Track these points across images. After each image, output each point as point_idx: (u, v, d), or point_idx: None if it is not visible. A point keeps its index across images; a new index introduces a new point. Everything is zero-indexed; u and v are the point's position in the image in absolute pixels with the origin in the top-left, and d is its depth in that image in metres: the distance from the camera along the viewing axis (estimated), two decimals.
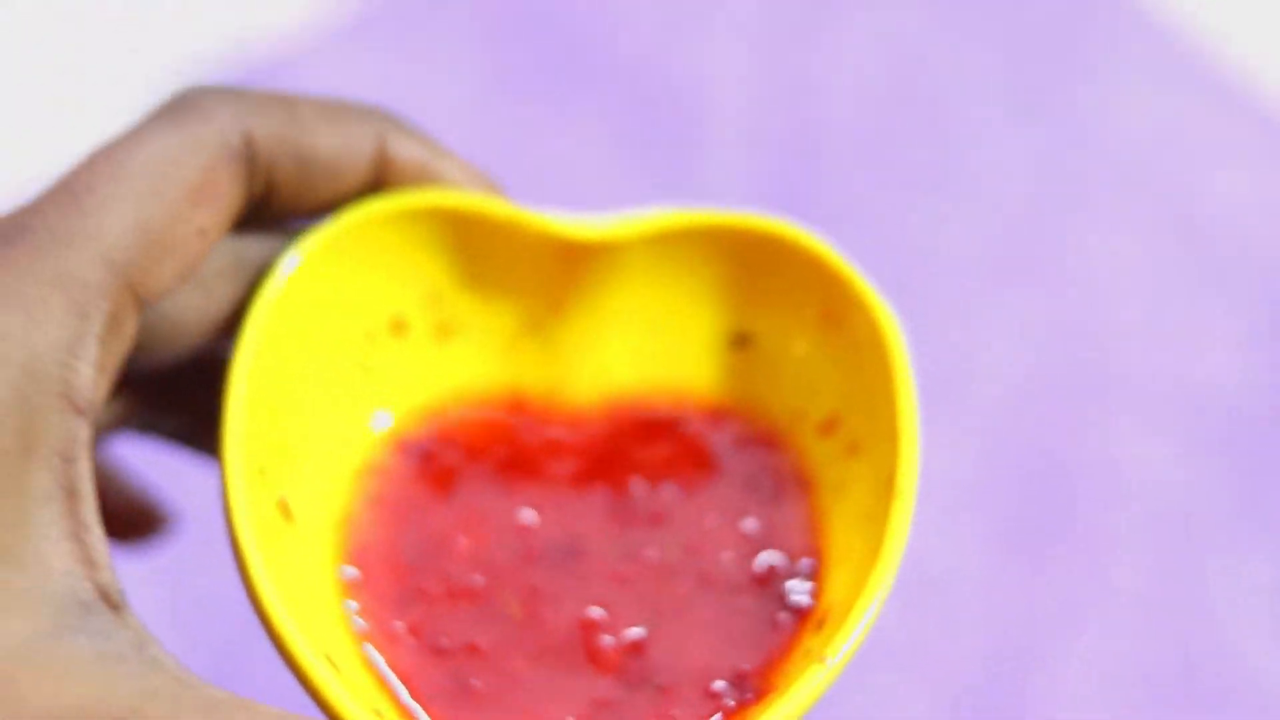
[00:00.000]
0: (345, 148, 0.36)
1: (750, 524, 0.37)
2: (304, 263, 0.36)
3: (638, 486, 0.38)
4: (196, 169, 0.34)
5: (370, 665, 0.35)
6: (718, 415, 0.39)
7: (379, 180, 0.37)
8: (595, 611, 0.37)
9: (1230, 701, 0.52)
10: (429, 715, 0.35)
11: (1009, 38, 0.63)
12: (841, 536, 0.36)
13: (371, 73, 0.63)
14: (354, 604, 0.36)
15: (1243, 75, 0.62)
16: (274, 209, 0.36)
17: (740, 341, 0.39)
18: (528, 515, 0.38)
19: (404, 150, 0.36)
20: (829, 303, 0.37)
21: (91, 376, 0.33)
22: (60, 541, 0.31)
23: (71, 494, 0.32)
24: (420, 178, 0.37)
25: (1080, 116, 0.61)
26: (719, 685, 0.36)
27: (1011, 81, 0.62)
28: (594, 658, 0.36)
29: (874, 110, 0.61)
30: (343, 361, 0.37)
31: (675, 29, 0.63)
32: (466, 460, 0.38)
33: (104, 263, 0.33)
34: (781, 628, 0.36)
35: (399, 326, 0.38)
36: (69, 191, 0.33)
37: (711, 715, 0.35)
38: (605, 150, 0.61)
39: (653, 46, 0.63)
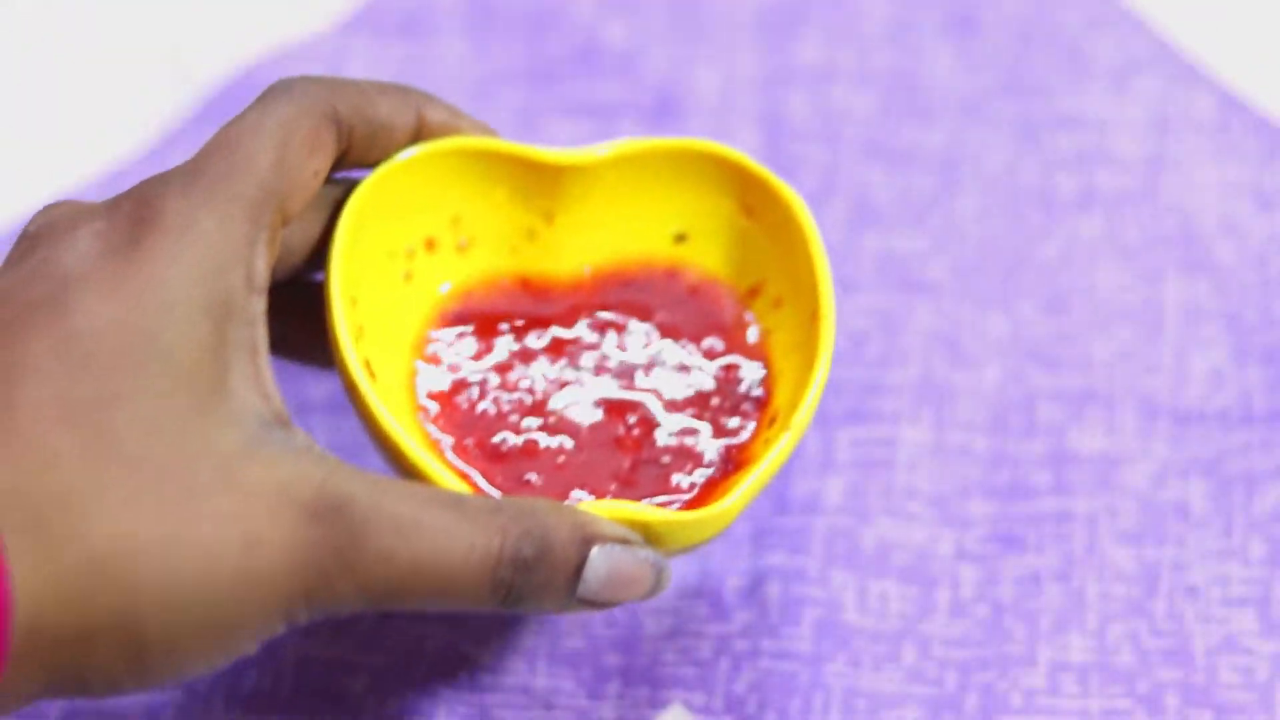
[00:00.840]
0: (398, 113, 0.48)
1: (712, 343, 0.51)
2: (366, 196, 0.49)
3: (624, 323, 0.51)
4: (309, 128, 0.46)
5: (452, 467, 0.49)
6: (673, 272, 0.52)
7: (418, 139, 0.49)
8: (613, 410, 0.50)
9: (1225, 700, 0.52)
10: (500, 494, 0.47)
11: (1010, 45, 0.63)
12: (778, 362, 0.50)
13: (364, 70, 0.63)
14: (433, 428, 0.49)
15: (1241, 88, 0.62)
16: (346, 163, 0.48)
17: (680, 238, 0.52)
18: (548, 353, 0.51)
19: (434, 114, 0.49)
20: (747, 198, 0.51)
21: (264, 267, 0.45)
22: (248, 381, 0.44)
23: (253, 349, 0.44)
24: (446, 134, 0.50)
25: (1077, 118, 0.61)
26: (707, 460, 0.49)
27: (1011, 86, 0.62)
28: (618, 443, 0.49)
29: (872, 105, 0.61)
30: (393, 269, 0.50)
31: (672, 20, 0.63)
32: (495, 320, 0.51)
33: (262, 188, 0.45)
34: (747, 415, 0.50)
35: (431, 244, 0.51)
36: (224, 143, 0.46)
37: (701, 480, 0.49)
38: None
39: (649, 39, 0.63)
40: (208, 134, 0.61)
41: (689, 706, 0.52)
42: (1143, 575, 0.53)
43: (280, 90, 0.47)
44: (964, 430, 0.56)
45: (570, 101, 0.62)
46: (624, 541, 0.46)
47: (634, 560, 0.46)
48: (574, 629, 0.53)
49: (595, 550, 0.45)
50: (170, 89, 0.63)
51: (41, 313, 0.43)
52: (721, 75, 0.62)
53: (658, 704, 0.52)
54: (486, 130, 0.51)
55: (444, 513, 0.44)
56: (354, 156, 0.48)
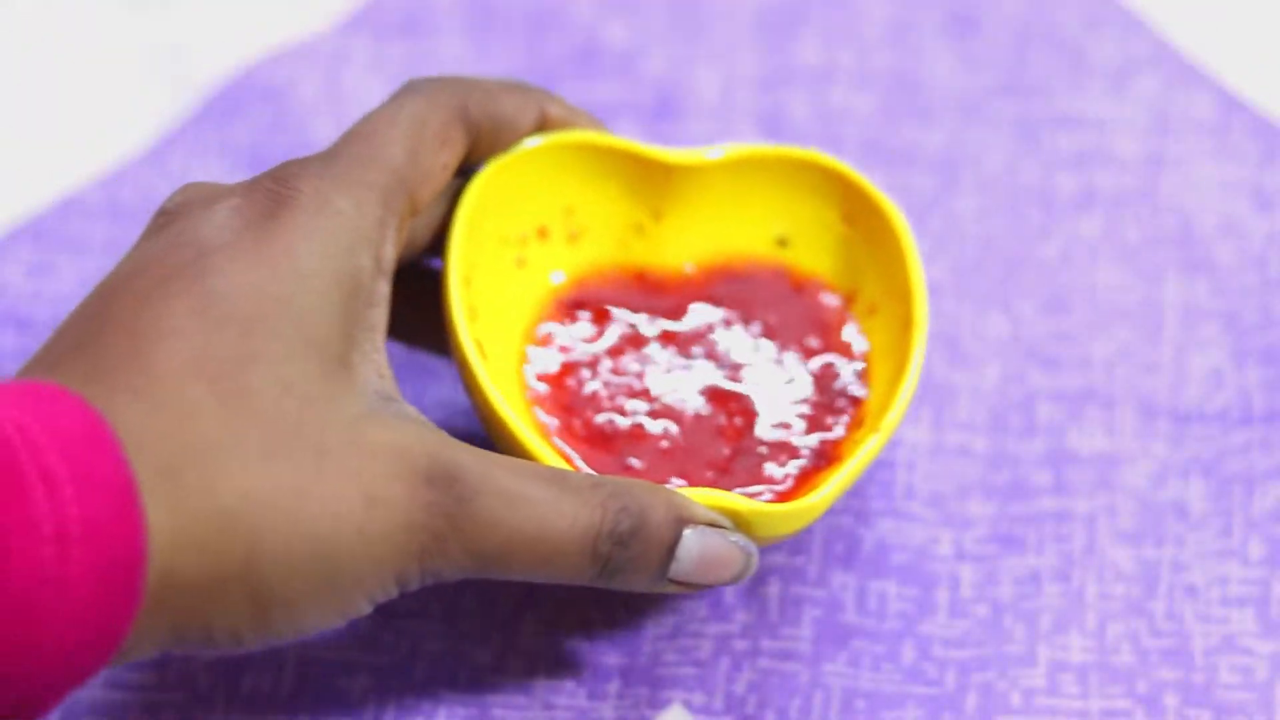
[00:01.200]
0: (522, 111, 0.51)
1: (812, 341, 0.53)
2: (486, 184, 0.51)
3: (730, 317, 0.53)
4: (440, 123, 0.49)
5: (556, 449, 0.50)
6: (777, 271, 0.54)
7: (541, 129, 0.52)
8: (716, 400, 0.52)
9: (1225, 699, 0.52)
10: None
11: (1012, 43, 0.63)
12: (872, 366, 0.52)
13: (365, 69, 0.63)
14: (540, 411, 0.51)
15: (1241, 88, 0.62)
16: (471, 158, 0.51)
17: (782, 242, 0.54)
18: (656, 341, 0.53)
19: (554, 110, 0.52)
20: (848, 207, 0.53)
21: (391, 251, 0.47)
22: (368, 356, 0.46)
23: (374, 328, 0.47)
24: (566, 125, 0.52)
25: (1077, 118, 0.61)
26: (801, 453, 0.51)
27: (1012, 85, 0.62)
28: (720, 432, 0.51)
29: (872, 105, 0.61)
30: (506, 255, 0.52)
31: (672, 20, 0.63)
32: (606, 308, 0.53)
33: (395, 176, 0.47)
34: (841, 412, 0.51)
35: (543, 233, 0.53)
36: (359, 134, 0.48)
37: (795, 472, 0.51)
38: None
39: (649, 39, 0.63)
40: (208, 134, 0.61)
41: (689, 706, 0.52)
42: (1142, 575, 0.54)
43: (413, 88, 0.49)
44: (964, 430, 0.56)
45: (570, 101, 0.62)
46: (716, 525, 0.48)
47: (725, 543, 0.48)
48: (574, 629, 0.53)
49: (688, 531, 0.47)
50: (170, 89, 0.63)
51: (181, 278, 0.45)
52: (721, 75, 0.62)
53: (658, 704, 0.52)
54: (600, 127, 0.53)
55: (548, 487, 0.46)
56: (479, 152, 0.50)
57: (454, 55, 0.63)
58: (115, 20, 0.64)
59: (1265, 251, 0.58)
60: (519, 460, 0.46)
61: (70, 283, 0.59)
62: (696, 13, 0.63)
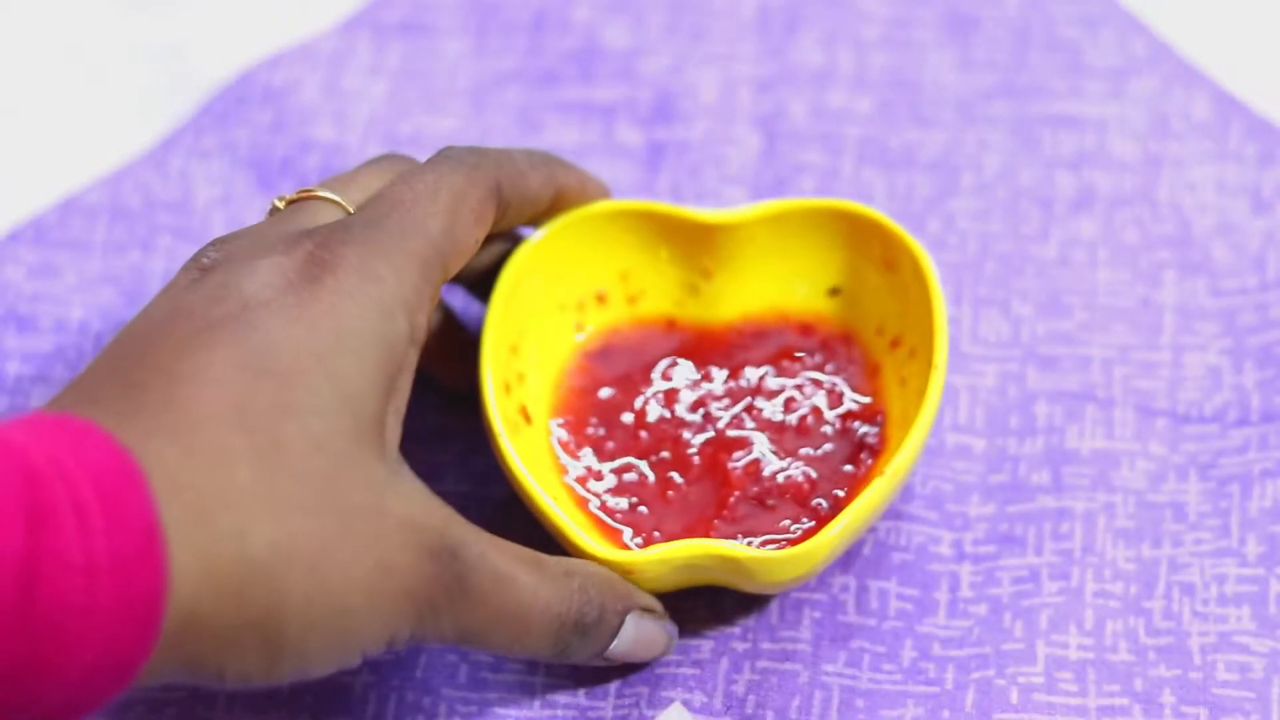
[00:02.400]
0: (544, 184, 0.53)
1: (843, 391, 0.54)
2: (528, 255, 0.54)
3: (753, 371, 0.54)
4: (477, 199, 0.50)
5: (578, 504, 0.53)
6: (815, 323, 0.55)
7: (555, 202, 0.54)
8: (726, 447, 0.53)
9: (1221, 697, 0.52)
10: (615, 525, 0.53)
11: (1009, 42, 0.63)
12: (908, 410, 0.52)
13: (367, 68, 0.63)
14: (565, 459, 0.53)
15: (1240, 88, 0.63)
16: (492, 230, 0.52)
17: (834, 292, 0.55)
18: (676, 392, 0.54)
19: (566, 179, 0.54)
20: (887, 253, 0.54)
21: (424, 322, 0.49)
22: (392, 422, 0.48)
23: (399, 394, 0.48)
24: (575, 197, 0.54)
25: (1076, 119, 0.61)
26: (815, 502, 0.52)
27: (1010, 85, 0.62)
28: (725, 479, 0.53)
29: (872, 106, 0.62)
30: (563, 321, 0.55)
31: (672, 20, 0.63)
32: (631, 359, 0.55)
33: (435, 249, 0.49)
34: (860, 463, 0.53)
35: (602, 298, 0.55)
36: (401, 203, 0.49)
37: (808, 520, 0.52)
38: (604, 148, 0.61)
39: (649, 39, 0.63)
40: (208, 134, 0.61)
41: (689, 706, 0.52)
42: (1140, 574, 0.54)
43: (452, 158, 0.51)
44: (963, 431, 0.56)
45: (570, 101, 0.62)
46: (650, 610, 0.51)
47: (656, 629, 0.51)
48: None
49: (629, 617, 0.50)
50: (170, 89, 0.63)
51: (224, 328, 0.46)
52: (721, 76, 0.62)
53: (657, 704, 0.52)
54: (607, 192, 0.55)
55: (530, 572, 0.48)
56: (501, 225, 0.52)
57: (454, 55, 0.63)
58: (115, 20, 0.64)
59: (1263, 252, 0.58)
60: (505, 542, 0.48)
61: (70, 283, 0.59)
62: (696, 13, 0.63)
